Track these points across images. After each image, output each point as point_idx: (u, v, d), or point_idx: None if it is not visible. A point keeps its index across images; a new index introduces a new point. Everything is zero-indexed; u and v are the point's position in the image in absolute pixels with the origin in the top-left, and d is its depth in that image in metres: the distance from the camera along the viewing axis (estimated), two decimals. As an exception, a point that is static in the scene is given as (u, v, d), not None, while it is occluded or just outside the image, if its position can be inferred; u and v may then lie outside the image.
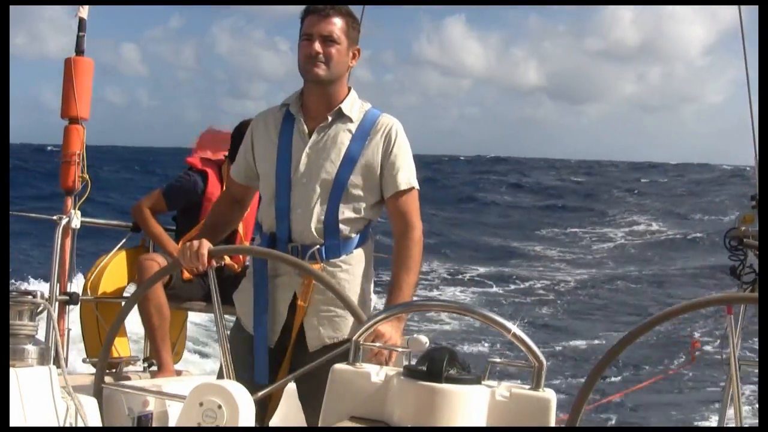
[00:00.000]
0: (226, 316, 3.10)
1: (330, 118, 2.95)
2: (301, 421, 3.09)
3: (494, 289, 19.23)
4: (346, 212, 2.91)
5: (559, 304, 17.80)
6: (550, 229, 31.03)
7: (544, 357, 2.04)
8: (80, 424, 2.87)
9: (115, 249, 4.90)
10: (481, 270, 21.23)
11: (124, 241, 4.94)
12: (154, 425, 3.61)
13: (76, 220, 4.37)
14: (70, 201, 4.44)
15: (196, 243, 2.84)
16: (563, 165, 65.81)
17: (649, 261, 24.14)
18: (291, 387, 2.98)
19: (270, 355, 2.94)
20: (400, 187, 2.94)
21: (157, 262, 4.42)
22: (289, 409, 3.22)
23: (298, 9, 2.98)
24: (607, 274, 21.80)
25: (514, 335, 2.06)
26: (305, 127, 2.96)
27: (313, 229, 2.89)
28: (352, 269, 2.94)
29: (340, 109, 2.95)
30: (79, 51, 4.51)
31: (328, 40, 2.87)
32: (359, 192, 2.92)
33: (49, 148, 53.62)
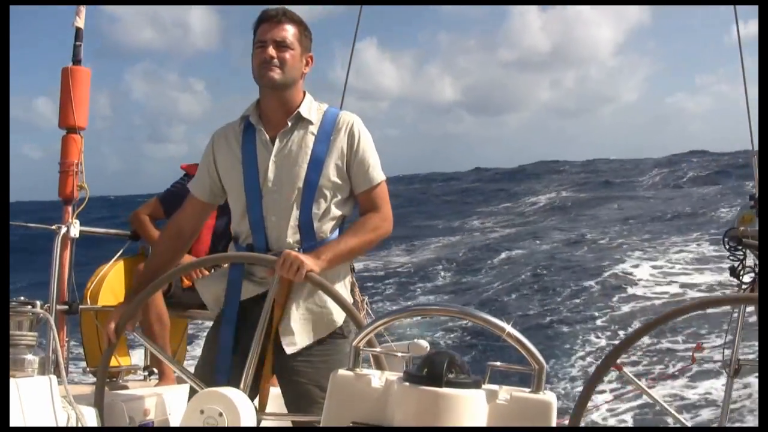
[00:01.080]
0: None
1: (290, 123, 2.98)
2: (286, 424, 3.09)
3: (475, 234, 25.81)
4: (319, 213, 2.94)
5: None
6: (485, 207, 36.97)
7: (543, 359, 2.05)
8: (81, 434, 2.87)
9: (115, 258, 4.90)
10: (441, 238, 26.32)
11: (123, 249, 4.94)
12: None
13: (75, 229, 4.37)
14: (68, 210, 4.44)
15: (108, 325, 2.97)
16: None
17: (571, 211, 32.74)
18: (275, 390, 2.97)
19: (241, 360, 2.87)
20: (372, 183, 3.01)
21: None
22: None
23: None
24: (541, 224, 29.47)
25: (510, 335, 2.06)
26: (266, 135, 2.99)
27: (289, 235, 2.91)
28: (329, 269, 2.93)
29: (299, 113, 2.98)
30: (76, 60, 4.51)
31: (282, 46, 2.92)
32: (330, 192, 2.95)
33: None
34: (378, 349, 2.51)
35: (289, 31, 2.94)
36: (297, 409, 2.90)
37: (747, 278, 4.64)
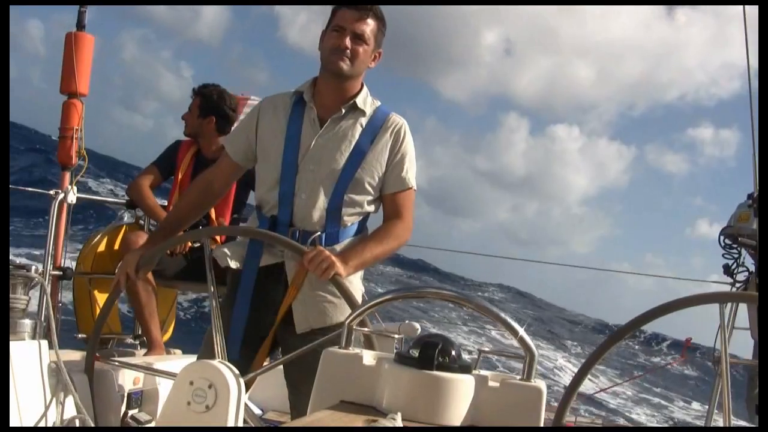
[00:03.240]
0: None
1: (344, 111, 2.96)
2: (283, 402, 3.10)
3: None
4: (349, 203, 2.92)
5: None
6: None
7: (534, 347, 2.05)
8: (69, 400, 2.88)
9: (110, 225, 4.90)
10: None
11: (118, 217, 4.94)
12: (144, 403, 3.62)
13: (72, 195, 4.36)
14: (67, 176, 4.43)
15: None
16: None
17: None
18: (277, 368, 2.98)
19: (250, 331, 2.92)
20: (402, 187, 2.99)
21: (142, 239, 4.39)
22: (273, 389, 3.21)
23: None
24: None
25: (501, 319, 2.06)
26: (316, 113, 2.97)
27: (315, 216, 2.89)
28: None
29: (354, 102, 2.97)
30: (80, 26, 4.49)
31: (359, 39, 2.90)
32: (363, 185, 2.94)
33: None
34: (367, 329, 2.51)
35: (369, 26, 2.91)
36: (298, 390, 2.90)
37: (741, 276, 4.66)
